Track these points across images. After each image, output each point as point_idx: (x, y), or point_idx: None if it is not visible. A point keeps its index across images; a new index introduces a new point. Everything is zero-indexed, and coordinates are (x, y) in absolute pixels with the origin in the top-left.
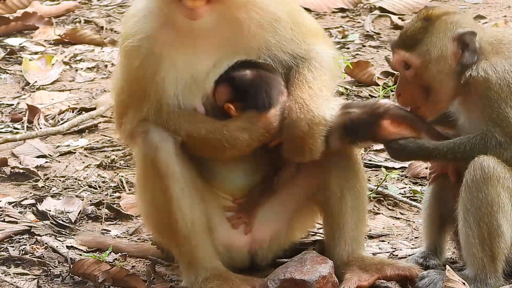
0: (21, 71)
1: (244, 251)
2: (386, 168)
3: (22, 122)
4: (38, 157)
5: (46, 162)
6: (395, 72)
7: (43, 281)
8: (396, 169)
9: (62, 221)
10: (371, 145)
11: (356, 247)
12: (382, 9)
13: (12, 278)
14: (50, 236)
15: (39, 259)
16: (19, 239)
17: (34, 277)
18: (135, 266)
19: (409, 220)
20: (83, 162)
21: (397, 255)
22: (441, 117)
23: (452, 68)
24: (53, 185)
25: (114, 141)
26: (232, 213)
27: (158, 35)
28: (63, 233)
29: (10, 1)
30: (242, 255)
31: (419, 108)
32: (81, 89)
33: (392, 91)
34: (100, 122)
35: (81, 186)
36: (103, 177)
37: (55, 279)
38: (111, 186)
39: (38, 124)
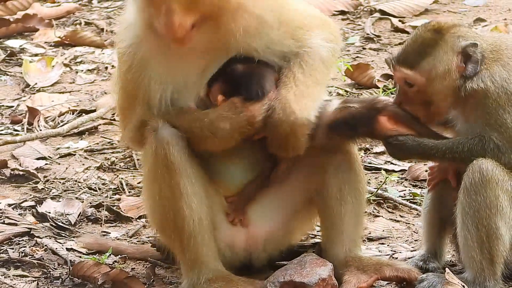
0: (21, 73)
1: (241, 249)
2: (386, 170)
3: (22, 124)
4: (38, 159)
5: (46, 164)
6: None
7: (43, 283)
8: (396, 171)
9: (62, 223)
10: (368, 141)
11: (353, 247)
12: (382, 12)
13: (12, 280)
14: (50, 238)
15: (39, 261)
16: (19, 241)
17: (34, 279)
18: (134, 268)
19: (408, 223)
20: (83, 164)
21: (396, 258)
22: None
23: (455, 81)
24: (53, 187)
25: (114, 143)
26: (228, 210)
27: (145, 42)
28: (63, 235)
29: (11, 3)
30: (239, 253)
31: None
32: (81, 91)
33: (392, 93)
34: (100, 124)
35: (81, 188)
36: (103, 179)
37: (54, 281)
38: (111, 188)
39: (38, 126)
